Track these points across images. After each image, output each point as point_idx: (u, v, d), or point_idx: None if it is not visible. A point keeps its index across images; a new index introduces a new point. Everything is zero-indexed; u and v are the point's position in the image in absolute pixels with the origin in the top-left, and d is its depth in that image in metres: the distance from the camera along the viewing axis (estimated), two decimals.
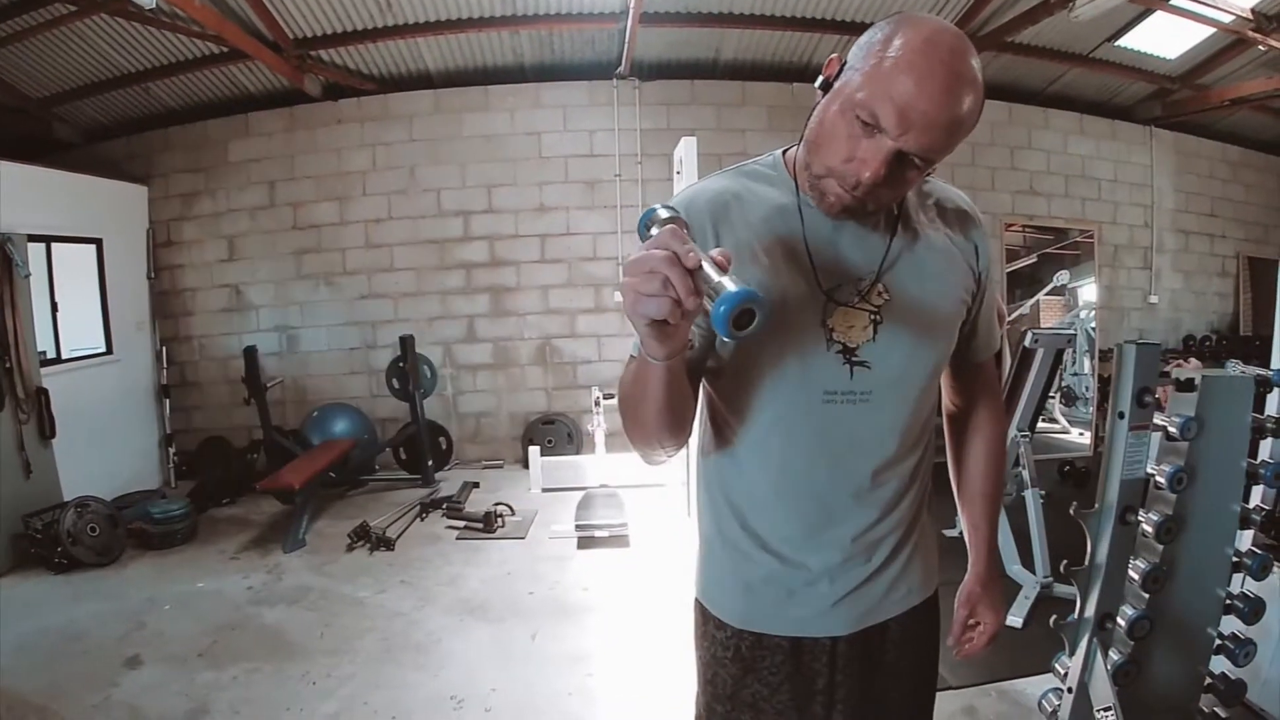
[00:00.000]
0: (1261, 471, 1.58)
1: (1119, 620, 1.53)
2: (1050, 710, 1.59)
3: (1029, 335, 3.28)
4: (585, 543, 3.84)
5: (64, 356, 4.52)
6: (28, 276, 3.97)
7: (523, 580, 3.42)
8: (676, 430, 0.85)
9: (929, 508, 1.01)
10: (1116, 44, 5.02)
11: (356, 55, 4.99)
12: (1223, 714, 1.64)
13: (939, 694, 1.11)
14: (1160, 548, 1.53)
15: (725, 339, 0.62)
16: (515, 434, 5.55)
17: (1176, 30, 4.79)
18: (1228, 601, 1.60)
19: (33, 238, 4.15)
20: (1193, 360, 5.00)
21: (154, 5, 3.55)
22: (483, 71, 5.31)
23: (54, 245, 4.48)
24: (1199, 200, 6.43)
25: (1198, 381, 1.51)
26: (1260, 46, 4.62)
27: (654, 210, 0.74)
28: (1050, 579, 2.95)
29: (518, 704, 2.42)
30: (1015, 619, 2.77)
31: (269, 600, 3.26)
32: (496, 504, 4.22)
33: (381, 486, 5.01)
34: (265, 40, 4.44)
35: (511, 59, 5.21)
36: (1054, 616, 1.56)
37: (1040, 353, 3.24)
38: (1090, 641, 1.50)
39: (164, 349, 5.35)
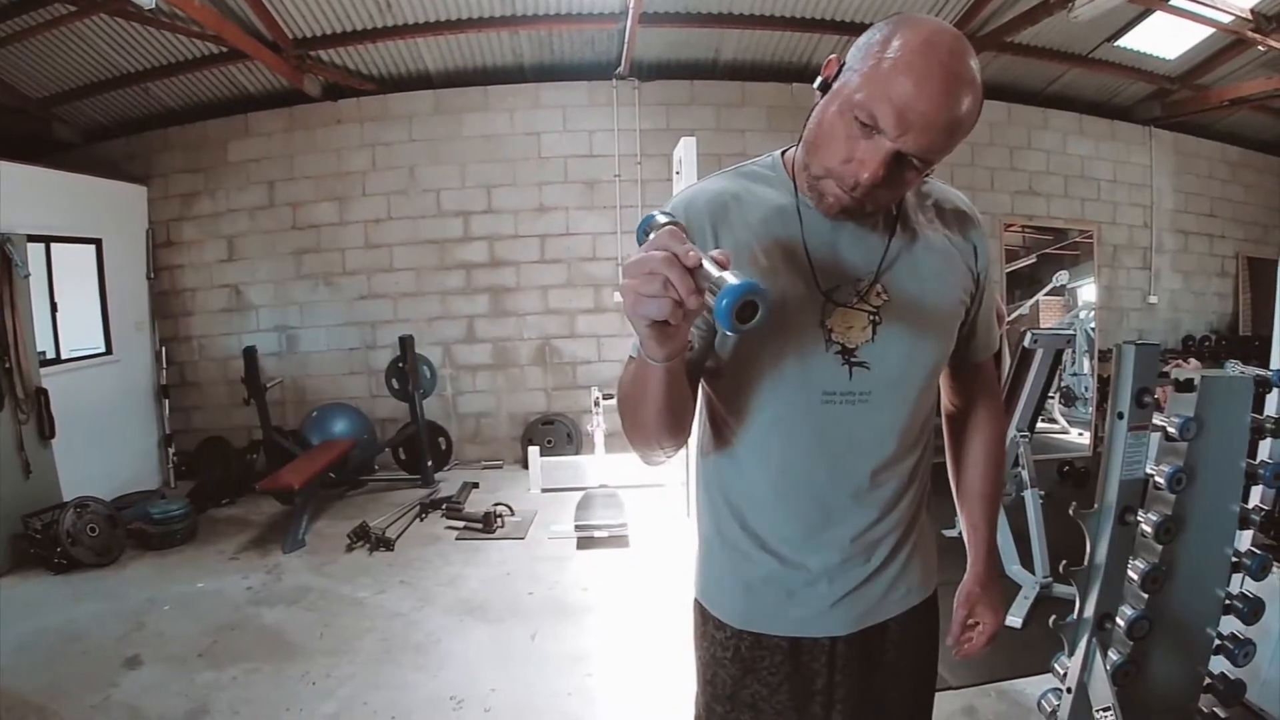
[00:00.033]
0: (1260, 472, 1.58)
1: (1118, 620, 1.53)
2: (1049, 710, 1.59)
3: (1028, 335, 3.28)
4: (585, 543, 3.84)
5: (63, 357, 4.52)
6: (27, 277, 3.97)
7: (522, 580, 3.42)
8: (676, 431, 0.85)
9: (928, 508, 1.01)
10: (1116, 44, 5.02)
11: (356, 55, 4.99)
12: (1222, 714, 1.64)
13: (938, 694, 1.12)
14: (1159, 548, 1.53)
15: (729, 333, 0.63)
16: (515, 434, 5.55)
17: (1176, 30, 4.79)
18: (1227, 602, 1.60)
19: (32, 238, 4.15)
20: (1192, 360, 5.00)
21: (153, 5, 3.54)
22: (482, 72, 5.31)
23: (53, 245, 4.48)
24: (1198, 200, 6.44)
25: (1197, 382, 1.51)
26: (1260, 47, 4.62)
27: (652, 217, 0.75)
28: (1049, 579, 2.95)
29: (517, 704, 2.42)
30: (1015, 619, 2.77)
31: (268, 600, 3.26)
32: (496, 504, 4.22)
33: (381, 487, 5.01)
34: (265, 40, 4.44)
35: (511, 59, 5.21)
36: (1053, 617, 1.56)
37: (1039, 353, 3.24)
38: (1089, 641, 1.50)
39: (163, 349, 5.35)
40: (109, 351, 4.93)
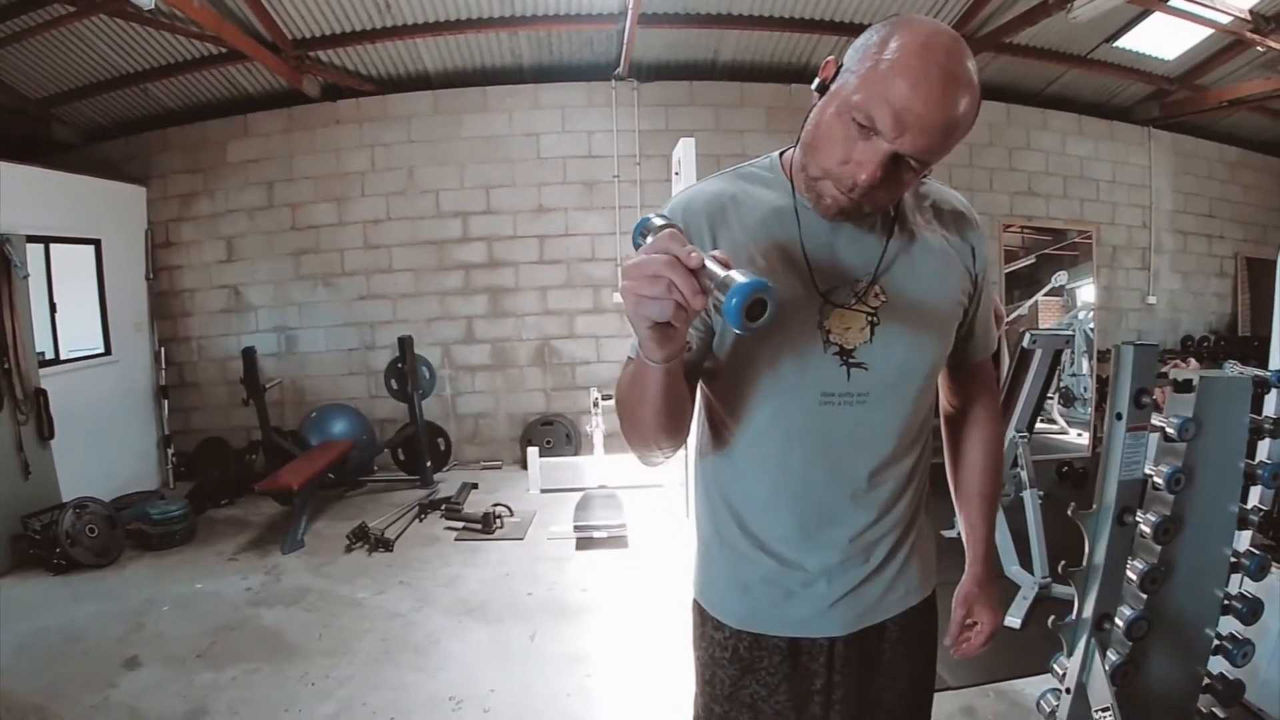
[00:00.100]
0: (1259, 472, 1.58)
1: (1117, 621, 1.53)
2: (1048, 710, 1.59)
3: (1027, 336, 3.28)
4: (584, 543, 3.84)
5: (63, 357, 4.52)
6: (26, 277, 3.96)
7: (521, 581, 3.42)
8: (674, 432, 0.85)
9: (926, 508, 1.01)
10: (1115, 45, 5.03)
11: (355, 56, 4.99)
12: (1221, 714, 1.64)
13: (937, 694, 1.12)
14: (1158, 548, 1.53)
15: (738, 331, 0.63)
16: (514, 435, 5.55)
17: (1175, 31, 4.80)
18: (1226, 602, 1.60)
19: (31, 238, 4.15)
20: (1191, 361, 5.00)
21: (152, 6, 3.54)
22: (481, 72, 5.31)
23: (53, 246, 4.48)
24: (1197, 201, 6.44)
25: (1195, 382, 1.51)
26: (1258, 47, 4.62)
27: (648, 220, 0.75)
28: (1048, 579, 2.95)
29: (516, 705, 2.42)
30: (1014, 619, 2.77)
31: (268, 601, 3.25)
32: (495, 505, 4.22)
33: (380, 487, 5.01)
34: (264, 41, 4.44)
35: (510, 60, 5.21)
36: (1052, 617, 1.56)
37: (1038, 353, 3.24)
38: (1088, 642, 1.50)
39: (162, 350, 5.35)
40: (108, 352, 4.93)
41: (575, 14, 4.62)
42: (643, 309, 0.65)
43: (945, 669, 2.34)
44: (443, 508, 4.37)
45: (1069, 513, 1.50)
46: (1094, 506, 1.51)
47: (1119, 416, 1.45)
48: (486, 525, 4.03)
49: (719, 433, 0.96)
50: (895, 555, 0.96)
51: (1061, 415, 5.66)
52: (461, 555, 3.76)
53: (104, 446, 4.63)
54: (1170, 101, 5.75)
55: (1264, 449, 1.77)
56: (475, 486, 4.90)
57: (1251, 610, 1.57)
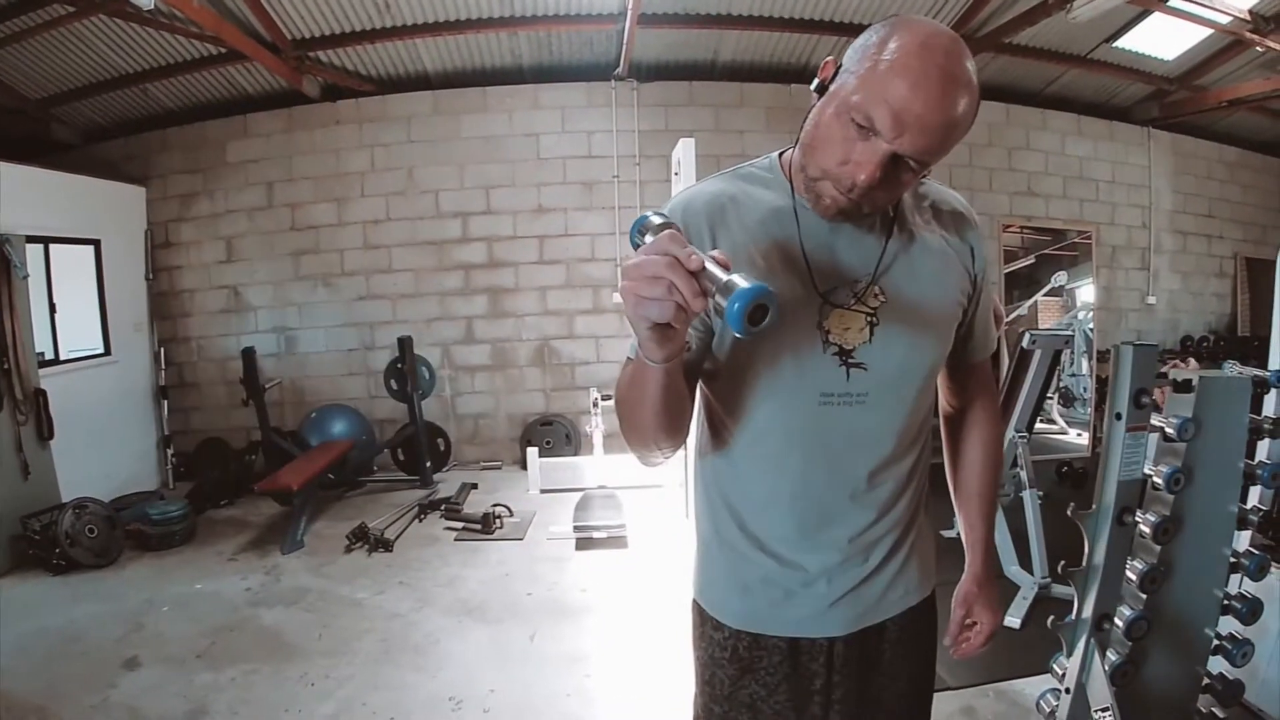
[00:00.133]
0: (1259, 472, 1.58)
1: (1117, 621, 1.53)
2: (1048, 711, 1.59)
3: (1027, 336, 3.29)
4: (583, 544, 3.84)
5: (62, 358, 4.52)
6: (26, 277, 3.96)
7: (521, 581, 3.42)
8: (673, 432, 0.85)
9: (926, 508, 1.02)
10: (1114, 45, 5.03)
11: (355, 56, 4.99)
12: (1220, 714, 1.64)
13: (937, 694, 1.12)
14: (1158, 548, 1.53)
15: (739, 335, 0.63)
16: (513, 435, 5.55)
17: (1174, 31, 4.80)
18: (1225, 602, 1.60)
19: (31, 239, 4.14)
20: (1190, 361, 5.00)
21: (152, 6, 3.55)
22: (481, 73, 5.31)
23: (52, 246, 4.48)
24: (1196, 201, 6.45)
25: (1195, 382, 1.51)
26: (1258, 48, 4.62)
27: (646, 217, 0.74)
28: (1048, 579, 2.95)
29: (516, 705, 2.42)
30: (1013, 619, 2.77)
31: (267, 601, 3.25)
32: (495, 505, 4.22)
33: (380, 488, 5.01)
34: (263, 41, 4.44)
35: (510, 60, 5.21)
36: (1052, 617, 1.56)
37: (1038, 353, 3.24)
38: (1088, 642, 1.50)
39: (162, 350, 5.35)
40: (108, 352, 4.93)
41: (575, 14, 4.62)
42: (642, 310, 0.66)
43: (945, 669, 2.34)
44: (442, 508, 4.37)
45: (1068, 513, 1.50)
46: (1093, 506, 1.51)
47: (1118, 416, 1.45)
48: (486, 525, 4.03)
49: (718, 433, 0.96)
50: (895, 555, 0.96)
51: (1061, 415, 5.66)
52: (461, 555, 3.76)
53: (103, 447, 4.62)
54: (1170, 102, 5.76)
55: (1263, 449, 1.77)
56: (475, 487, 4.90)
57: (1251, 610, 1.57)
